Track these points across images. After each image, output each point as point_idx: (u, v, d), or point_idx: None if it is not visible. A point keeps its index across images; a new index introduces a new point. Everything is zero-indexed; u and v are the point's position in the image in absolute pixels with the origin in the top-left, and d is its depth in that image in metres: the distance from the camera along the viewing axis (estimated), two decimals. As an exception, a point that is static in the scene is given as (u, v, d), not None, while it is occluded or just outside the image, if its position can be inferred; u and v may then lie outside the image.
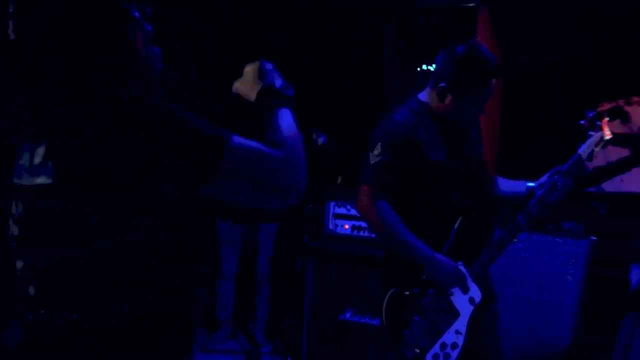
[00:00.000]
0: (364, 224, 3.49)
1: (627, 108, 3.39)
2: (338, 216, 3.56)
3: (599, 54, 3.66)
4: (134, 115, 1.16)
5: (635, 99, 3.42)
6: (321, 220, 3.58)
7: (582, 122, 2.31)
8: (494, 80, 2.29)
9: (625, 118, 3.47)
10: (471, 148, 2.48)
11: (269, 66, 1.45)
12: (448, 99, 2.28)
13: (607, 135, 2.22)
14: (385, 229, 2.29)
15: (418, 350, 2.30)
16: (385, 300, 2.35)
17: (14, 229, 1.31)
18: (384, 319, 2.37)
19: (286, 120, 1.34)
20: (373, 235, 3.30)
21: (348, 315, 3.48)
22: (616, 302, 3.16)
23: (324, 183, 3.67)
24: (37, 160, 1.27)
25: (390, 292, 2.34)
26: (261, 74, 1.43)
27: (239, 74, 1.49)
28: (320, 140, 2.93)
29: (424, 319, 2.32)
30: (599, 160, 3.53)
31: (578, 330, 3.17)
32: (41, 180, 1.27)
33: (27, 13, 1.23)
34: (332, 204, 3.57)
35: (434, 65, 3.47)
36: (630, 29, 3.55)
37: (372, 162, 2.29)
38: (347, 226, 3.52)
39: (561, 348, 3.12)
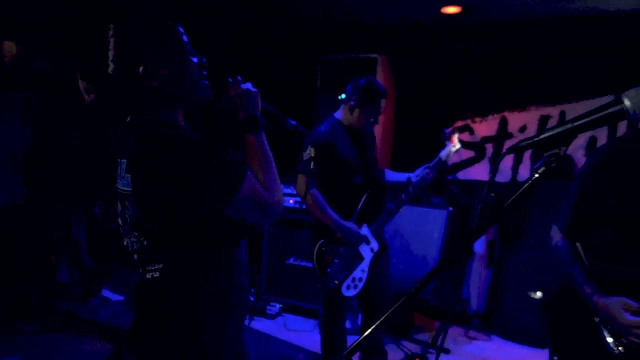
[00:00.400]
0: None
1: (472, 125, 4.68)
2: (286, 194, 4.35)
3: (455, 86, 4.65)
4: (180, 147, 1.32)
5: (477, 119, 4.67)
6: None
7: (442, 135, 3.04)
8: (383, 101, 2.80)
9: (471, 131, 4.84)
10: (370, 147, 2.96)
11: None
12: (355, 113, 2.78)
13: (456, 145, 2.96)
14: (314, 206, 2.70)
15: (337, 282, 2.71)
16: (316, 248, 2.74)
17: (119, 220, 1.52)
18: (314, 260, 2.75)
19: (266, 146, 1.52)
20: (305, 206, 4.26)
21: (292, 260, 4.38)
22: (463, 250, 4.47)
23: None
24: (123, 172, 1.43)
25: (319, 242, 2.74)
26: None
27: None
28: None
29: (341, 261, 2.74)
30: (454, 159, 4.67)
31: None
32: (126, 188, 1.43)
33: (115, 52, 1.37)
34: (281, 186, 4.42)
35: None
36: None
37: (305, 158, 2.72)
38: (291, 201, 4.40)
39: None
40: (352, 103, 2.79)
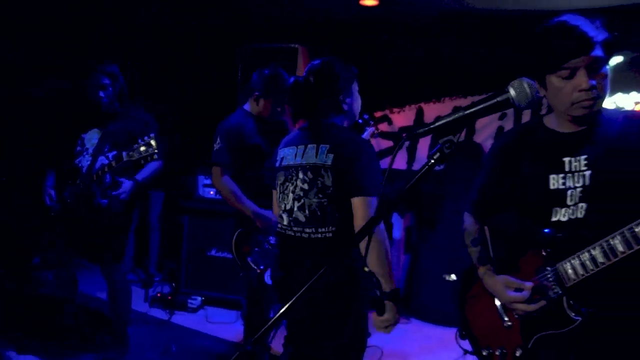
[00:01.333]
0: None
1: (390, 115, 4.82)
2: (206, 185, 4.36)
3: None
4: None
5: (395, 110, 4.86)
6: (193, 188, 4.39)
7: (360, 121, 2.99)
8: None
9: (390, 121, 5.01)
10: (279, 137, 2.84)
11: None
12: (261, 103, 2.83)
13: (373, 130, 3.12)
14: (230, 196, 2.73)
15: (259, 271, 2.73)
16: (234, 238, 2.76)
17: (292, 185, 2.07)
18: (233, 250, 2.76)
19: None
20: None
21: (213, 252, 4.32)
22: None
23: (196, 164, 4.47)
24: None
25: (238, 231, 2.75)
26: None
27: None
28: None
29: (262, 250, 2.75)
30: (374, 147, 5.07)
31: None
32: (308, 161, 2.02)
33: None
34: (201, 177, 4.37)
35: None
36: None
37: (215, 149, 2.76)
38: (212, 192, 4.36)
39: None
40: (257, 93, 2.84)
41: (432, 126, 1.06)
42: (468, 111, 1.05)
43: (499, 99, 1.05)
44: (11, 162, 4.59)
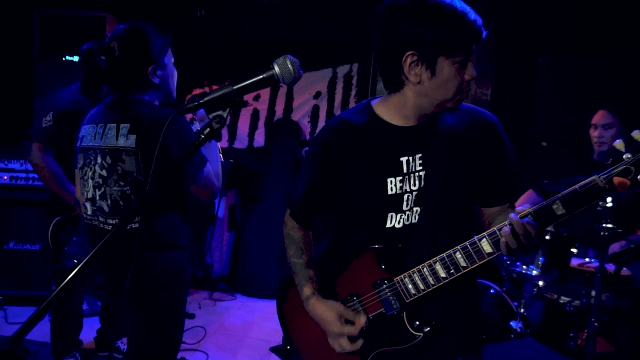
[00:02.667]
0: (21, 174, 3.87)
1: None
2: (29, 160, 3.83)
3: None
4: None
5: (214, 86, 4.89)
6: None
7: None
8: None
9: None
10: None
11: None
12: None
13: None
14: (51, 178, 2.53)
15: (75, 261, 2.52)
16: (51, 227, 2.55)
17: (86, 173, 1.89)
18: (49, 239, 2.53)
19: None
20: (29, 183, 3.83)
21: (11, 245, 3.87)
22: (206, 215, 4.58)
23: None
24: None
25: (55, 220, 2.56)
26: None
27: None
28: None
29: (81, 239, 2.54)
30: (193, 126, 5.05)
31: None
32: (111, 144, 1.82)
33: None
34: None
35: (76, 57, 4.15)
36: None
37: (44, 125, 2.50)
38: (6, 177, 3.87)
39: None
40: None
41: (201, 101, 1.05)
42: (236, 87, 1.06)
43: (263, 75, 1.07)
44: None
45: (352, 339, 1.41)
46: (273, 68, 1.07)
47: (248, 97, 4.85)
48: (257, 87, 1.08)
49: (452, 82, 1.25)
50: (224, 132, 4.86)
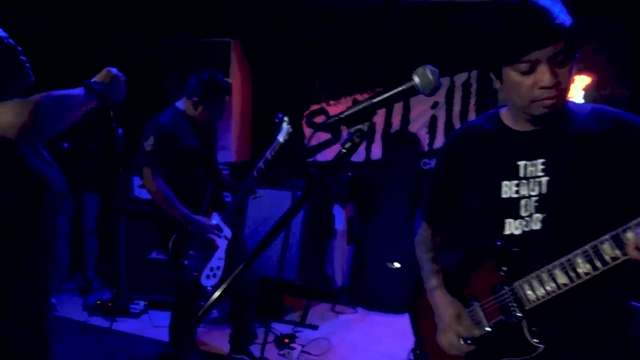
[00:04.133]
0: None
1: (327, 107, 4.82)
2: (142, 186, 3.75)
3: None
4: None
5: (331, 102, 4.84)
6: (129, 189, 4.24)
7: (276, 120, 3.11)
8: (226, 97, 2.88)
9: (327, 114, 5.09)
10: (213, 139, 2.99)
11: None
12: (199, 109, 2.81)
13: (288, 128, 3.05)
14: (162, 199, 2.66)
15: (196, 274, 2.75)
16: (170, 243, 2.74)
17: None
18: (170, 254, 2.76)
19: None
20: None
21: (154, 254, 4.12)
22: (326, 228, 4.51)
23: (129, 164, 4.43)
24: None
25: (172, 237, 2.73)
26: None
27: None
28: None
29: (197, 252, 2.77)
30: (312, 142, 5.12)
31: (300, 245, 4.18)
32: None
33: None
34: (136, 177, 4.12)
35: None
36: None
37: (147, 149, 2.64)
38: (148, 193, 4.33)
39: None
40: (195, 99, 2.79)
41: (341, 116, 1.06)
42: (375, 100, 1.05)
43: (403, 87, 1.06)
44: None
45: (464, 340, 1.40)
46: (412, 79, 1.05)
47: (365, 110, 4.84)
48: (396, 99, 1.08)
49: (518, 89, 1.24)
50: (337, 145, 4.90)
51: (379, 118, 4.92)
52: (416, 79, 1.05)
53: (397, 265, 4.25)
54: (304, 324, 3.89)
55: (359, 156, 4.97)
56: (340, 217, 4.57)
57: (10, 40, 1.54)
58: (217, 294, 1.03)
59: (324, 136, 4.04)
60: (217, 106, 2.85)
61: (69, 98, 1.64)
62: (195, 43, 4.51)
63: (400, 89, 1.06)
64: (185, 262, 2.72)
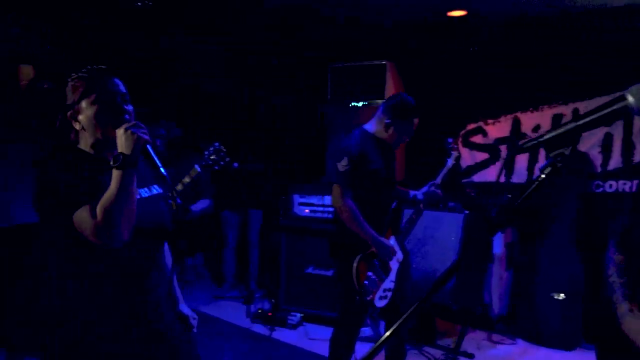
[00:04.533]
0: (319, 208, 4.39)
1: (484, 127, 4.67)
2: (301, 204, 4.46)
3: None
4: None
5: (489, 121, 4.66)
6: (290, 207, 4.50)
7: (447, 145, 3.20)
8: (416, 119, 2.91)
9: (484, 133, 4.83)
10: (393, 160, 3.00)
11: None
12: (390, 130, 2.84)
13: (456, 154, 3.16)
14: (351, 219, 2.71)
15: (372, 295, 2.78)
16: (355, 264, 2.74)
17: None
18: (354, 275, 2.73)
19: None
20: (324, 215, 4.35)
21: (311, 269, 4.39)
22: (483, 254, 4.15)
23: (290, 183, 4.62)
24: None
25: (357, 257, 2.74)
26: None
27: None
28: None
29: (375, 274, 2.81)
30: (468, 162, 4.72)
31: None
32: None
33: None
34: (296, 195, 4.49)
35: (360, 103, 4.62)
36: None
37: (340, 170, 2.72)
38: (307, 210, 4.46)
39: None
40: (388, 122, 2.83)
41: (541, 139, 0.99)
42: (581, 122, 0.97)
43: (616, 107, 0.95)
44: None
45: None
46: (626, 98, 0.95)
47: (527, 129, 4.55)
48: (604, 121, 0.97)
49: None
50: (500, 166, 4.65)
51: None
52: (630, 99, 0.94)
53: (562, 296, 3.90)
54: (459, 352, 3.73)
55: (519, 177, 4.67)
56: (499, 242, 4.34)
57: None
58: (387, 334, 1.04)
59: (479, 156, 3.92)
60: (407, 128, 2.88)
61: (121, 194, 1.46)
62: (351, 67, 4.70)
63: (611, 109, 0.96)
64: (365, 282, 2.74)
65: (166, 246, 1.80)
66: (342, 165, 2.71)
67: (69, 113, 1.62)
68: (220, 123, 5.53)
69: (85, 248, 1.47)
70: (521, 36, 4.32)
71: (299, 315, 4.36)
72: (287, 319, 4.31)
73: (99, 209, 1.41)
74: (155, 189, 1.74)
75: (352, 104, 4.67)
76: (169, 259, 1.83)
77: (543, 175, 0.98)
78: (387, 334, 1.05)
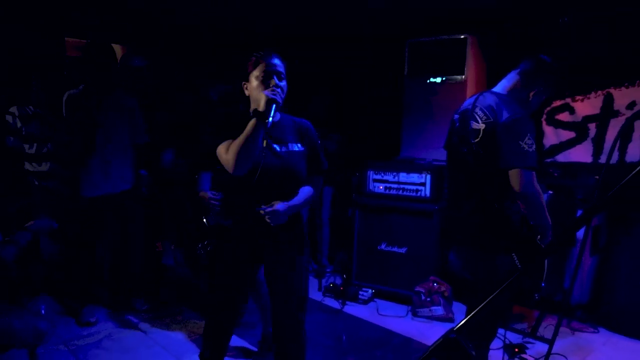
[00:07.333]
0: (393, 185, 4.33)
1: (572, 103, 4.40)
2: (375, 180, 4.43)
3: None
4: None
5: (578, 97, 4.37)
6: (364, 183, 4.49)
7: None
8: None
9: (571, 110, 4.56)
10: None
11: None
12: (532, 94, 2.48)
13: None
14: (542, 206, 2.33)
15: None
16: (515, 257, 2.37)
17: None
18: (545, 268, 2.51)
19: None
20: (399, 193, 4.29)
21: (383, 246, 4.40)
22: (567, 237, 3.88)
23: (364, 159, 4.58)
24: None
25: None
26: None
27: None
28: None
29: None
30: (553, 140, 4.48)
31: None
32: None
33: None
34: (371, 172, 4.45)
35: (438, 79, 4.53)
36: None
37: (529, 149, 2.24)
38: (381, 187, 4.41)
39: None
40: (541, 88, 2.53)
41: None
42: None
43: None
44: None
45: None
46: None
47: (620, 106, 4.24)
48: None
49: None
50: (588, 145, 4.39)
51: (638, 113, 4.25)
52: None
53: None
54: (535, 336, 3.62)
55: (611, 157, 4.36)
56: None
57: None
58: (477, 309, 1.03)
59: (565, 135, 3.65)
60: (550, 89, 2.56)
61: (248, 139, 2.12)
62: (430, 42, 4.60)
63: None
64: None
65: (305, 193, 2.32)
66: (529, 144, 2.27)
67: (243, 82, 2.25)
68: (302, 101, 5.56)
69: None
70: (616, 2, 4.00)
71: (370, 291, 4.40)
72: (358, 294, 4.36)
73: (230, 146, 2.12)
74: (297, 147, 2.27)
75: (431, 79, 4.59)
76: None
77: None
78: (475, 310, 1.02)
